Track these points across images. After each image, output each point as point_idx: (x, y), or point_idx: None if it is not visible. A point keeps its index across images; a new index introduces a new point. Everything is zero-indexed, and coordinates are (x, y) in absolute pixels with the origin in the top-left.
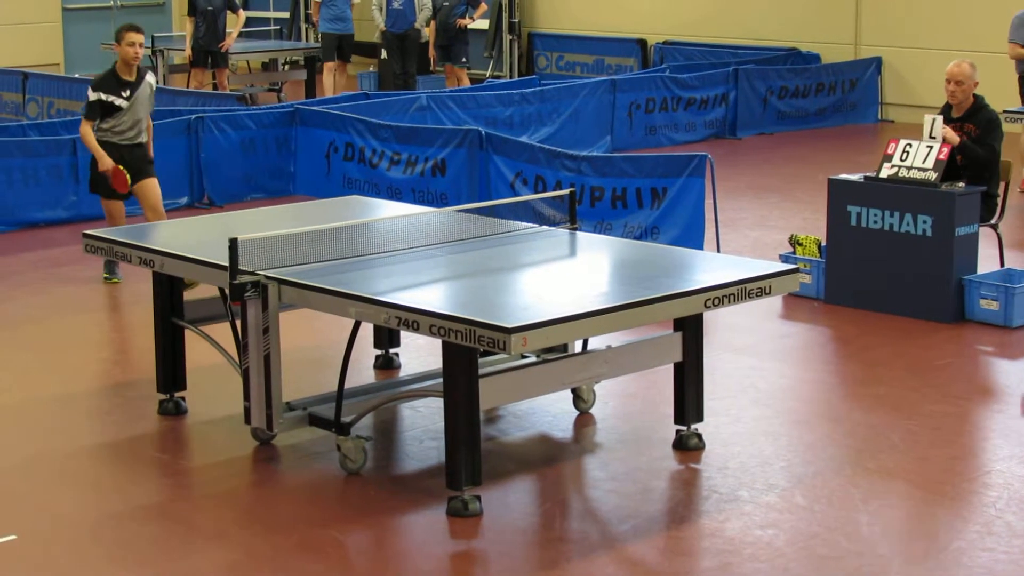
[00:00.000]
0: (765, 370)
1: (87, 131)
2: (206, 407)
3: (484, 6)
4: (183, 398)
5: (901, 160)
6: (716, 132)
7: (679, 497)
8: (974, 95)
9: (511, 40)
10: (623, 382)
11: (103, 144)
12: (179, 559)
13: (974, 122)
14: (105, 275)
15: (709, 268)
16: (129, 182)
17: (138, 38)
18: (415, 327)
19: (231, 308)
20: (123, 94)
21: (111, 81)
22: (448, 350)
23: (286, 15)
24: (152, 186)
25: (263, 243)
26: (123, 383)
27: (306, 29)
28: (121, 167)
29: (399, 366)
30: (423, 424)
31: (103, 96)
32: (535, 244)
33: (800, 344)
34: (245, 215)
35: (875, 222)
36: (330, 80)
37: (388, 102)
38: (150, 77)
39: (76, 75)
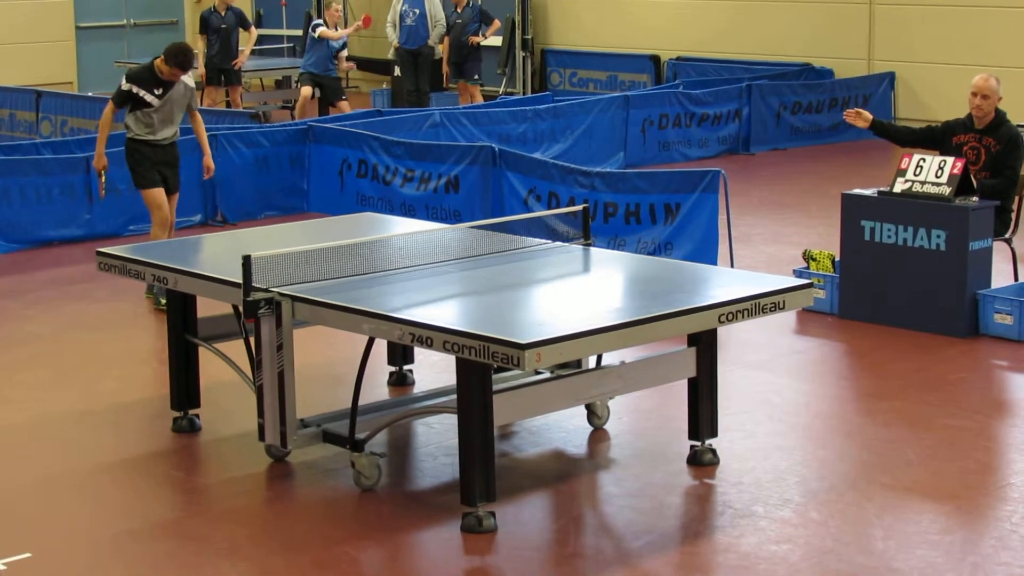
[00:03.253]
0: (779, 385)
1: (106, 117)
2: (220, 424)
3: (497, 23)
4: (197, 415)
5: (915, 175)
6: (729, 148)
7: (694, 512)
8: (996, 109)
9: (524, 57)
10: (637, 398)
11: (135, 142)
12: None
13: (995, 136)
14: (149, 295)
15: (723, 283)
16: (104, 194)
17: (180, 73)
18: (429, 343)
19: (245, 325)
20: (155, 91)
21: (147, 76)
22: (462, 366)
23: (299, 32)
24: (172, 201)
25: (277, 260)
26: (137, 401)
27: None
28: (103, 179)
29: (413, 383)
30: (437, 440)
31: (134, 88)
32: (549, 260)
33: (814, 359)
34: (259, 232)
35: (889, 237)
36: (300, 107)
37: (401, 119)
38: (186, 78)
39: (89, 93)
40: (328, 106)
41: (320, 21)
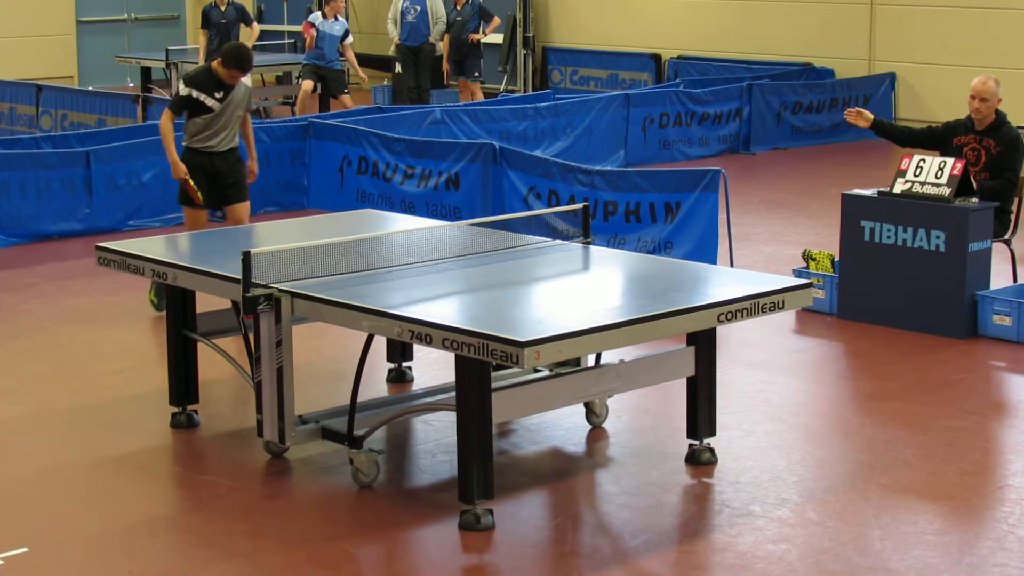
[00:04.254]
0: (778, 385)
1: (167, 126)
2: (219, 420)
3: (497, 20)
4: (196, 411)
5: (915, 175)
6: (730, 147)
7: (691, 511)
8: (996, 111)
9: (525, 54)
10: (636, 396)
11: (191, 151)
12: (190, 572)
13: (995, 137)
14: (152, 299)
15: (722, 283)
16: (201, 199)
17: (243, 75)
18: (428, 340)
19: (244, 321)
20: (216, 95)
21: (206, 79)
22: (461, 364)
23: (299, 28)
24: (243, 210)
25: (276, 256)
26: (136, 396)
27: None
28: (192, 183)
29: (412, 380)
30: (435, 438)
31: (194, 93)
32: (548, 258)
33: (813, 359)
34: (258, 228)
35: (888, 237)
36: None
37: (402, 116)
38: (247, 80)
39: (90, 87)
40: (330, 99)
41: (316, 15)
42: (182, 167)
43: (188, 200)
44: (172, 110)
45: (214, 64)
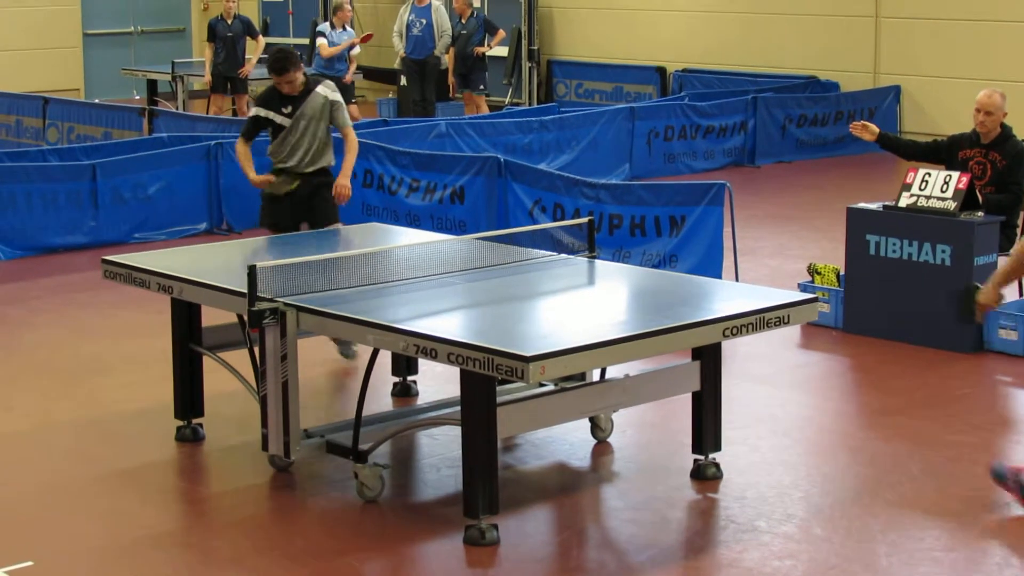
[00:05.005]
0: (783, 399)
1: (240, 151)
2: (224, 434)
3: (502, 33)
4: (201, 425)
5: (920, 189)
6: (735, 160)
7: (697, 527)
8: (1002, 124)
9: (530, 67)
10: (641, 411)
11: (276, 172)
12: None
13: (1001, 151)
14: (343, 354)
15: (727, 297)
16: (293, 186)
17: (281, 79)
18: (433, 355)
19: (249, 335)
20: (284, 110)
21: (270, 94)
22: (466, 378)
23: (305, 41)
24: None
25: (282, 270)
26: (141, 409)
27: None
28: (272, 179)
29: (417, 394)
30: (440, 452)
31: (260, 112)
32: (553, 272)
33: (819, 373)
34: (264, 241)
35: (894, 251)
36: None
37: (407, 129)
38: (322, 88)
39: (96, 100)
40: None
41: (325, 24)
42: (258, 177)
43: (272, 224)
44: (243, 136)
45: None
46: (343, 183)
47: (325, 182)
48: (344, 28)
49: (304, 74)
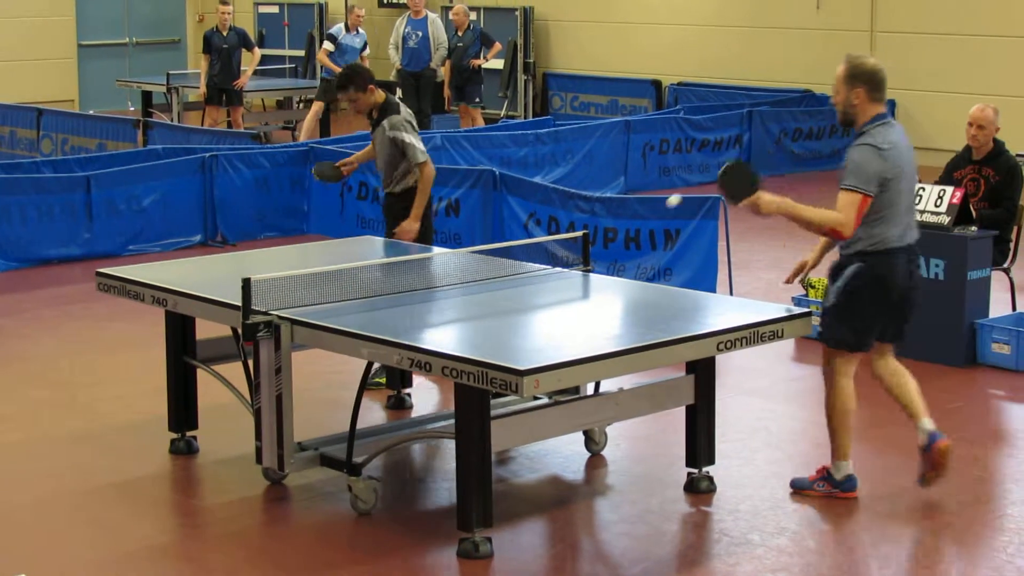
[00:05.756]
0: (777, 413)
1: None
2: (218, 446)
3: (498, 46)
4: (195, 437)
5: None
6: None
7: (690, 540)
8: (994, 140)
9: (526, 80)
10: (635, 424)
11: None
12: None
13: (993, 167)
14: (377, 380)
15: (722, 311)
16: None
17: (343, 96)
18: (427, 368)
19: (243, 348)
20: (372, 132)
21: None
22: (460, 392)
23: (301, 53)
24: None
25: (276, 283)
26: (135, 422)
27: (320, 68)
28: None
29: (411, 407)
30: (434, 465)
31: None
32: (548, 286)
33: (812, 387)
34: (258, 254)
35: None
36: (312, 124)
37: None
38: (386, 122)
39: (91, 112)
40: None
41: (339, 27)
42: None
43: (391, 234)
44: None
45: None
46: (405, 227)
47: (399, 207)
48: (356, 31)
49: (383, 99)
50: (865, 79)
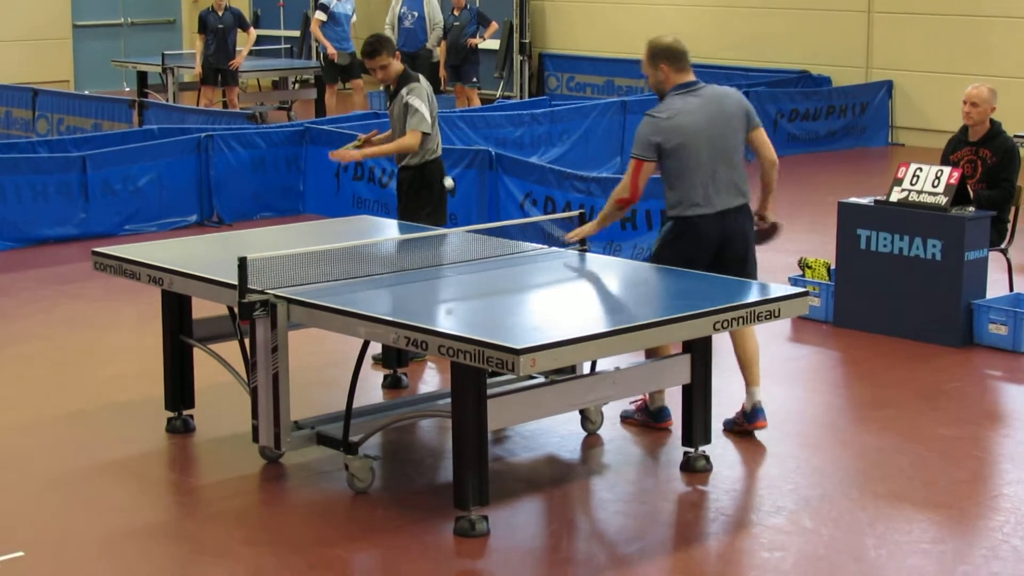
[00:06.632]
0: (773, 393)
1: None
2: (214, 425)
3: (494, 25)
4: (191, 416)
5: (911, 184)
6: None
7: (686, 519)
8: (991, 120)
9: (522, 60)
10: (631, 403)
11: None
12: None
13: (990, 148)
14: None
15: (718, 290)
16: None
17: (371, 63)
18: (424, 347)
19: (240, 327)
20: (389, 107)
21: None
22: (457, 370)
23: (296, 34)
24: None
25: (272, 262)
26: (131, 401)
27: (316, 47)
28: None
29: (407, 386)
30: (431, 444)
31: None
32: (544, 265)
33: (808, 367)
34: (254, 234)
35: (885, 246)
36: (332, 101)
37: None
38: (405, 89)
39: (86, 92)
40: (351, 80)
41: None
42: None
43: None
44: None
45: None
46: (345, 152)
47: (420, 183)
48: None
49: (403, 69)
50: (664, 56)
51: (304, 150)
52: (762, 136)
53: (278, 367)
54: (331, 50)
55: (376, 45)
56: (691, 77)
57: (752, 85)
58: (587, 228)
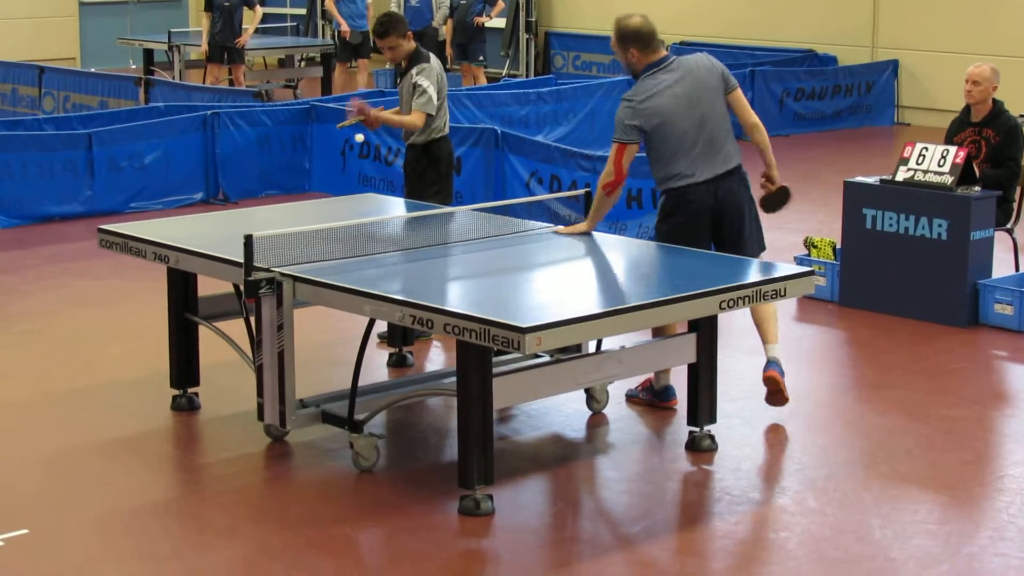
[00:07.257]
0: None
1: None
2: (219, 403)
3: (501, 4)
4: (196, 394)
5: (917, 163)
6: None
7: (691, 498)
8: (994, 100)
9: (528, 39)
10: (636, 382)
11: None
12: (191, 555)
13: (993, 127)
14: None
15: (723, 269)
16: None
17: (380, 43)
18: (429, 325)
19: (245, 305)
20: (398, 86)
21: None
22: (462, 349)
23: (303, 11)
24: None
25: (278, 240)
26: (136, 378)
27: (323, 26)
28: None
29: (412, 364)
30: (436, 423)
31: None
32: (550, 244)
33: (814, 347)
34: (260, 211)
35: (890, 225)
36: (342, 80)
37: None
38: (415, 68)
39: (92, 69)
40: (357, 59)
41: None
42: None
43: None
44: None
45: None
46: (363, 105)
47: (427, 161)
48: None
49: (415, 48)
50: (632, 39)
51: (310, 128)
52: (740, 98)
53: (283, 345)
54: (344, 27)
55: (387, 25)
56: (662, 54)
57: (758, 64)
58: (581, 226)
